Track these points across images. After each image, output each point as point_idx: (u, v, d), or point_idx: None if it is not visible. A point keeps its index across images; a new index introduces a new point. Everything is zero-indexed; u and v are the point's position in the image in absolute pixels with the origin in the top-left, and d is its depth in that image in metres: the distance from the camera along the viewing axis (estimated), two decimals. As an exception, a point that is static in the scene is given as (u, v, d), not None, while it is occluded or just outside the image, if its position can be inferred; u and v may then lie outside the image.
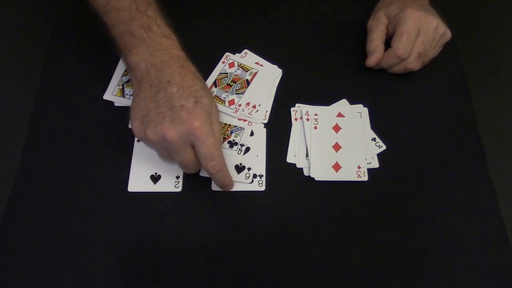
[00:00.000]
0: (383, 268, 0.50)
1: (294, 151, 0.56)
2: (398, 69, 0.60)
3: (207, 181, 0.54)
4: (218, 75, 0.61)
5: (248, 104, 0.58)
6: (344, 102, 0.59)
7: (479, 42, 0.67)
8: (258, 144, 0.56)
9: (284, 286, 0.49)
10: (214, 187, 0.54)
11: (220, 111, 0.57)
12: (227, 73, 0.61)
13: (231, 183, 0.53)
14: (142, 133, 0.48)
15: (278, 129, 0.58)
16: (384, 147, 0.56)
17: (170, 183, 0.54)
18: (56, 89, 0.60)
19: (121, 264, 0.50)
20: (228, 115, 0.58)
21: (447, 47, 0.62)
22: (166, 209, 0.53)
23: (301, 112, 0.58)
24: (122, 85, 0.59)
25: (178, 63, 0.50)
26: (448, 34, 0.60)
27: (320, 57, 0.63)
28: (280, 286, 0.49)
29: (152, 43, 0.50)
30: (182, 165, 0.50)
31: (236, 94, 0.59)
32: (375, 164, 0.55)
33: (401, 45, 0.57)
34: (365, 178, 0.54)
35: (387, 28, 0.61)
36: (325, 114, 0.58)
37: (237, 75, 0.61)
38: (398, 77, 0.61)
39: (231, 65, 0.61)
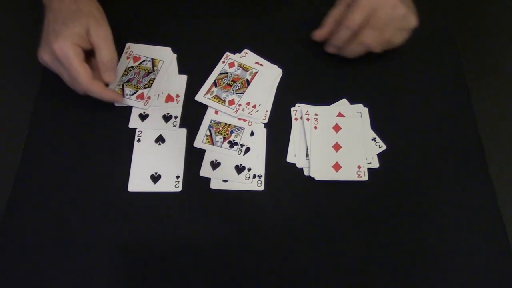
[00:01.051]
0: (383, 268, 0.50)
1: (294, 151, 0.56)
2: (357, 48, 0.57)
3: (207, 180, 0.54)
4: (218, 74, 0.61)
5: (248, 104, 0.58)
6: (344, 102, 0.59)
7: (479, 42, 0.67)
8: (258, 144, 0.56)
9: (283, 286, 0.49)
10: (214, 186, 0.54)
11: (220, 111, 0.58)
12: (227, 73, 0.61)
13: (105, 96, 0.55)
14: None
15: (278, 129, 0.58)
16: (384, 147, 0.56)
17: (170, 183, 0.54)
18: (56, 89, 0.60)
19: (121, 264, 0.50)
20: (228, 115, 0.58)
21: (447, 47, 0.62)
22: (166, 209, 0.53)
23: (301, 112, 0.58)
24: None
25: None
26: (412, 20, 0.57)
27: (320, 57, 0.63)
28: (279, 285, 0.49)
29: None
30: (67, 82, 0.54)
31: (236, 94, 0.59)
32: (375, 164, 0.55)
33: (350, 15, 0.55)
34: (365, 178, 0.54)
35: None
36: (325, 114, 0.58)
37: (237, 75, 0.61)
38: (398, 77, 0.61)
39: (231, 65, 0.61)
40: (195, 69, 0.61)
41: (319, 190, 0.54)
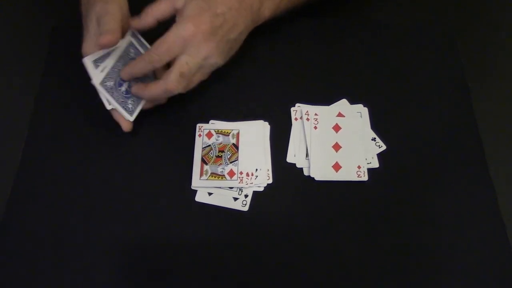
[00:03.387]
0: (382, 268, 0.50)
1: (294, 151, 0.56)
2: (156, 90, 0.52)
3: (207, 181, 0.54)
4: (202, 150, 0.55)
5: (247, 174, 0.54)
6: (344, 102, 0.59)
7: (479, 42, 0.67)
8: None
9: (283, 286, 0.49)
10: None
11: (224, 188, 0.54)
12: (209, 145, 0.56)
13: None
14: None
15: (278, 129, 0.58)
16: (384, 147, 0.56)
17: (171, 183, 0.54)
18: (56, 89, 0.60)
19: (121, 264, 0.50)
20: (234, 188, 0.54)
21: (447, 47, 0.62)
22: (167, 210, 0.53)
23: (301, 112, 0.58)
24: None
25: None
26: (218, 62, 0.54)
27: (320, 57, 0.63)
28: (279, 285, 0.49)
29: None
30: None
31: (231, 163, 0.54)
32: (375, 164, 0.55)
33: (156, 52, 0.50)
34: (365, 178, 0.54)
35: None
36: (325, 114, 0.58)
37: (221, 143, 0.56)
38: (398, 77, 0.61)
39: (209, 135, 0.56)
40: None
41: (319, 190, 0.54)
